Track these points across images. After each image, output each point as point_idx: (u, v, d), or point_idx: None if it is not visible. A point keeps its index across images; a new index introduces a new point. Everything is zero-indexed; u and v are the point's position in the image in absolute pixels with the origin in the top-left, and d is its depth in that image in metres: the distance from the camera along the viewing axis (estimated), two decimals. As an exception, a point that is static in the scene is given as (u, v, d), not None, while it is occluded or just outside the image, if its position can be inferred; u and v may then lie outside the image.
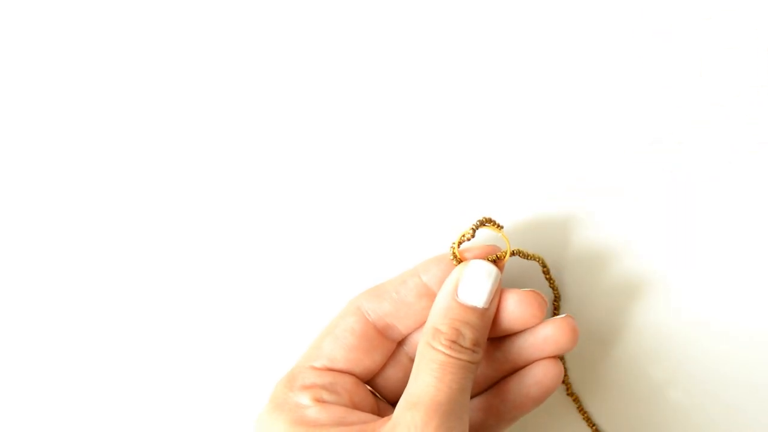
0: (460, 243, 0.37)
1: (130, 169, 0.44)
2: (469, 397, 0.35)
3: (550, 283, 0.41)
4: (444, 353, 0.35)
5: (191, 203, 0.44)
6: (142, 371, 0.44)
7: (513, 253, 0.38)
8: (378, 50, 0.43)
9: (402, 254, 0.42)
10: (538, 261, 0.40)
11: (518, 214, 0.42)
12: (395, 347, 0.39)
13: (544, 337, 0.37)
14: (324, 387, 0.36)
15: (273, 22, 0.43)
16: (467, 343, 0.35)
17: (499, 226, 0.38)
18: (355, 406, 0.37)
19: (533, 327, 0.37)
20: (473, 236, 0.37)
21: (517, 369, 0.38)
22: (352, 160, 0.43)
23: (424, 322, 0.37)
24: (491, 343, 0.38)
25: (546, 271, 0.40)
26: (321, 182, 0.43)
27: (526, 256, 0.39)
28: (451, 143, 0.42)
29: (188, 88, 0.43)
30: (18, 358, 0.44)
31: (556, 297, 0.41)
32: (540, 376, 0.38)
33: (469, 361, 0.35)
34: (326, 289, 0.43)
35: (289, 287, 0.43)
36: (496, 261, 0.37)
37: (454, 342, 0.35)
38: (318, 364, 0.37)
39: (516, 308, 0.37)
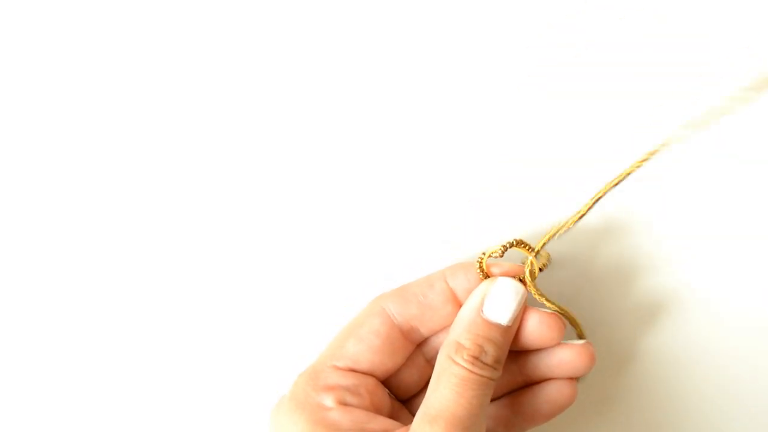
0: (488, 257, 0.37)
1: (141, 171, 0.44)
2: (487, 412, 0.35)
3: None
4: (466, 369, 0.35)
5: (203, 204, 0.43)
6: (156, 360, 0.44)
7: (541, 269, 0.38)
8: (394, 55, 0.42)
9: (410, 254, 0.42)
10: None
11: (536, 228, 0.42)
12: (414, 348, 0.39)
13: (561, 360, 0.37)
14: (347, 389, 0.36)
15: (273, 23, 0.42)
16: (489, 360, 0.35)
17: (530, 248, 0.38)
18: (375, 408, 0.37)
19: (552, 347, 0.38)
20: (501, 256, 0.37)
21: (530, 383, 0.39)
22: (362, 158, 0.43)
23: (446, 326, 0.37)
24: (507, 355, 0.38)
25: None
26: (327, 179, 0.43)
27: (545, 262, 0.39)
28: (467, 146, 0.42)
29: (191, 90, 0.43)
30: (24, 359, 0.44)
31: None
32: (554, 394, 0.38)
33: (489, 378, 0.35)
34: (332, 283, 0.43)
35: (295, 282, 0.43)
36: (523, 281, 0.37)
37: (476, 358, 0.35)
38: (341, 364, 0.37)
39: (536, 328, 0.37)
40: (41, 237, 0.44)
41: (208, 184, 0.43)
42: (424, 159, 0.42)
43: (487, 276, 0.37)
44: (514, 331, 0.37)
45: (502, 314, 0.36)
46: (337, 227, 0.43)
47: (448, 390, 0.34)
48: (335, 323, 0.39)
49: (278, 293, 0.43)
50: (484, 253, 0.37)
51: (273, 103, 0.43)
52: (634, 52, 0.41)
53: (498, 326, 0.36)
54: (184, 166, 0.43)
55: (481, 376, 0.35)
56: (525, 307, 0.37)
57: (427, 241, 0.42)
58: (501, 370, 0.36)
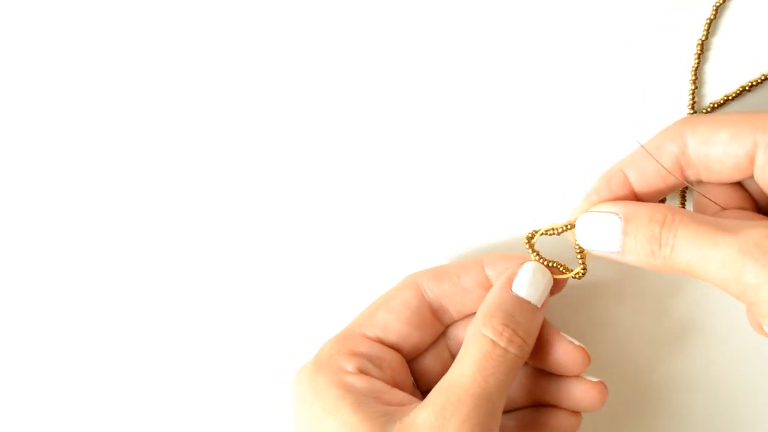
0: (545, 232, 0.37)
1: (143, 171, 0.44)
2: (504, 401, 0.35)
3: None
4: (491, 339, 0.35)
5: (205, 201, 0.44)
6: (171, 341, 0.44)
7: (583, 271, 0.38)
8: (396, 57, 0.42)
9: (409, 253, 0.43)
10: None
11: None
12: (440, 336, 0.39)
13: (571, 392, 0.38)
14: (370, 359, 0.37)
15: (274, 23, 0.43)
16: (515, 334, 0.35)
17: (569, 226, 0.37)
18: (395, 385, 0.37)
19: (567, 378, 0.38)
20: (560, 234, 0.37)
21: (535, 403, 0.39)
22: (363, 158, 0.43)
23: (475, 312, 0.37)
24: (522, 372, 0.39)
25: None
26: (328, 179, 0.43)
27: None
28: (466, 146, 0.42)
29: (195, 90, 0.43)
30: (20, 359, 0.44)
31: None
32: (557, 422, 0.38)
33: (515, 355, 0.35)
34: (331, 283, 0.43)
35: (295, 280, 0.43)
36: (550, 268, 0.37)
37: (506, 326, 0.35)
38: (370, 333, 0.38)
39: (562, 357, 0.37)
40: (40, 237, 0.44)
41: (220, 182, 0.44)
42: (424, 159, 0.42)
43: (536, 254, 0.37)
44: (541, 317, 0.37)
45: (531, 292, 0.36)
46: (336, 226, 0.43)
47: (469, 365, 0.34)
48: (333, 322, 0.39)
49: (278, 292, 0.43)
50: (536, 231, 0.37)
51: (279, 105, 0.43)
52: (634, 52, 0.41)
53: (527, 303, 0.36)
54: (202, 164, 0.43)
55: (506, 350, 0.35)
56: (556, 331, 0.37)
57: (427, 241, 0.42)
58: (526, 354, 0.35)
